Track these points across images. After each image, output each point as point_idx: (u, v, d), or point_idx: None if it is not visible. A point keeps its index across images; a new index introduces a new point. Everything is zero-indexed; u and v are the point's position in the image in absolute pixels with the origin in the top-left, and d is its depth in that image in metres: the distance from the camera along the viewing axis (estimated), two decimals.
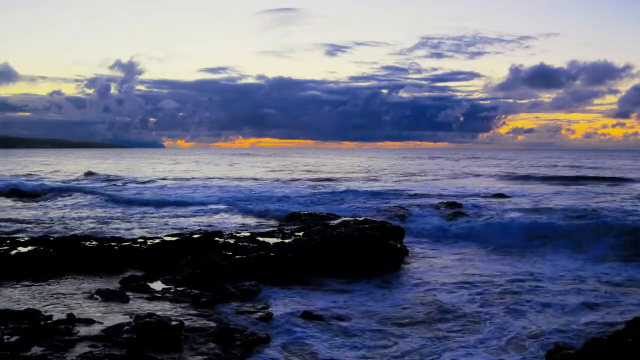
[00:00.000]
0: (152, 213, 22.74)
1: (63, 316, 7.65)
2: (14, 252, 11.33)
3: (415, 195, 28.63)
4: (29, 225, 18.65)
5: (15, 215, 21.46)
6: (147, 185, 37.68)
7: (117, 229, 18.00)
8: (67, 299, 9.09)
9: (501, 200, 26.36)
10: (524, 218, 18.71)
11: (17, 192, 30.45)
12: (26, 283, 10.06)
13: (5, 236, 13.91)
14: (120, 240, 13.19)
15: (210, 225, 18.91)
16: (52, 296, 9.23)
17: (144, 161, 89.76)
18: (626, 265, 12.84)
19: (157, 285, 10.11)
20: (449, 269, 12.68)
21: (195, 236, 13.21)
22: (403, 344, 7.76)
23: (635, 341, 6.00)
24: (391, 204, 23.96)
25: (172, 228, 18.12)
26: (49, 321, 7.40)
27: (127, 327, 7.22)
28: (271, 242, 13.09)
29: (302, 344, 7.66)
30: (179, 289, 9.79)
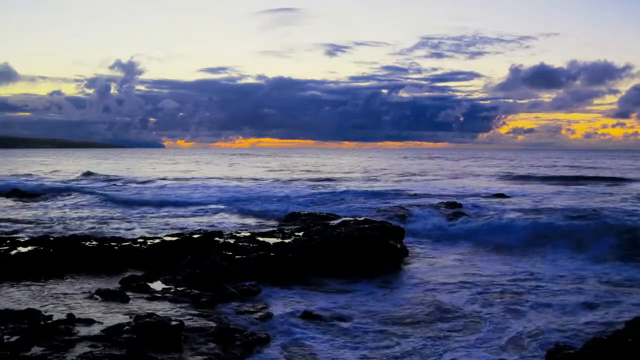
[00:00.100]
0: (152, 213, 22.74)
1: (63, 316, 7.65)
2: (14, 252, 11.32)
3: (415, 195, 28.62)
4: (29, 225, 18.65)
5: (15, 215, 21.46)
6: (147, 185, 37.67)
7: (117, 229, 18.00)
8: (67, 299, 9.09)
9: (501, 200, 26.35)
10: (524, 218, 18.70)
11: (17, 192, 30.41)
12: (26, 283, 10.05)
13: (5, 236, 13.91)
14: (120, 240, 13.19)
15: (210, 225, 18.91)
16: (52, 296, 9.23)
17: (144, 161, 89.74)
18: (626, 265, 12.83)
19: (157, 285, 10.11)
20: (449, 269, 12.67)
21: (195, 236, 13.21)
22: (403, 344, 7.75)
23: (635, 341, 6.00)
24: (391, 204, 23.95)
25: (172, 228, 18.11)
26: (49, 321, 7.40)
27: (127, 327, 7.21)
28: (271, 242, 13.09)
29: (302, 344, 7.66)
30: (179, 289, 9.79)
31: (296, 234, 14.51)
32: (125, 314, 8.09)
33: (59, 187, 33.70)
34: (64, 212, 22.80)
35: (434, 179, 43.77)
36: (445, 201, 23.94)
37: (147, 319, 7.30)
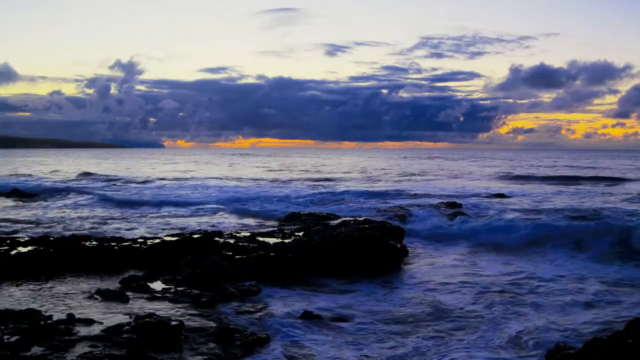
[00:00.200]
0: (151, 213, 22.74)
1: (63, 316, 7.65)
2: (14, 252, 11.32)
3: (415, 195, 28.64)
4: (28, 225, 18.65)
5: (15, 215, 21.45)
6: (147, 185, 37.69)
7: (117, 229, 18.00)
8: (67, 299, 9.09)
9: (501, 200, 26.38)
10: (524, 218, 18.72)
11: (17, 192, 30.41)
12: (26, 283, 10.05)
13: (5, 236, 13.90)
14: (120, 240, 13.19)
15: (210, 225, 18.90)
16: (52, 296, 9.23)
17: (144, 161, 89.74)
18: (626, 265, 12.84)
19: (157, 285, 10.10)
20: (449, 269, 12.67)
21: (195, 236, 13.21)
22: (404, 344, 7.75)
23: (635, 341, 6.00)
24: (391, 204, 23.96)
25: (172, 228, 18.11)
26: (49, 321, 7.40)
27: (127, 327, 7.21)
28: (271, 242, 13.09)
29: (302, 344, 7.65)
30: (179, 289, 9.79)
31: (296, 234, 14.51)
32: (125, 314, 8.09)
33: (59, 187, 33.69)
34: (64, 212, 22.79)
35: (434, 179, 43.79)
36: (445, 201, 23.96)
37: (147, 319, 7.30)
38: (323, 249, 12.14)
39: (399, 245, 13.34)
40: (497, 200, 26.36)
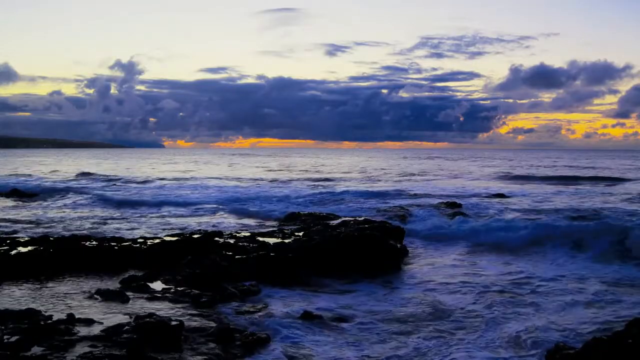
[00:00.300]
0: (151, 213, 22.73)
1: (63, 316, 7.65)
2: (14, 252, 11.32)
3: (415, 195, 28.65)
4: (28, 225, 18.65)
5: (14, 216, 21.45)
6: (147, 185, 37.69)
7: (117, 229, 17.99)
8: (67, 299, 9.09)
9: (501, 200, 26.39)
10: (524, 218, 18.72)
11: (17, 192, 30.42)
12: (26, 283, 10.06)
13: (5, 236, 13.91)
14: (120, 240, 13.20)
15: (210, 226, 18.90)
16: (52, 296, 9.23)
17: (144, 161, 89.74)
18: (626, 265, 12.84)
19: (157, 285, 10.10)
20: (449, 269, 12.67)
21: (195, 236, 13.21)
22: (403, 344, 7.75)
23: (635, 341, 6.00)
24: (391, 204, 23.96)
25: (172, 228, 18.11)
26: (49, 321, 7.40)
27: (127, 327, 7.22)
28: (271, 242, 13.09)
29: (302, 345, 7.65)
30: (179, 289, 9.79)
31: (296, 234, 14.52)
32: (125, 314, 8.09)
33: (59, 187, 33.69)
34: (64, 212, 22.79)
35: (434, 179, 43.80)
36: (445, 201, 23.97)
37: (147, 319, 7.30)
38: (323, 249, 12.14)
39: (399, 245, 13.35)
40: (497, 200, 26.36)
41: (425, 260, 13.74)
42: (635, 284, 11.21)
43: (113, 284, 10.09)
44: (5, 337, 6.65)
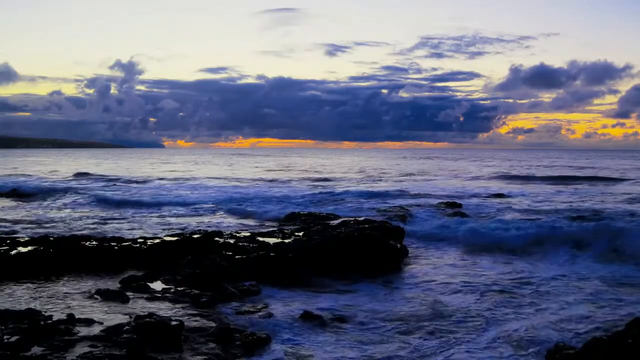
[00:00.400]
0: (151, 213, 22.74)
1: (63, 316, 7.65)
2: (14, 252, 11.32)
3: (415, 195, 28.66)
4: (28, 225, 18.65)
5: (14, 216, 21.46)
6: (147, 185, 37.70)
7: (117, 229, 17.99)
8: (67, 299, 9.09)
9: (501, 200, 26.41)
10: (523, 218, 18.73)
11: (17, 192, 30.45)
12: (26, 283, 10.06)
13: (5, 236, 13.90)
14: (120, 240, 13.19)
15: (210, 226, 18.90)
16: (52, 296, 9.23)
17: (144, 161, 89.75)
18: (626, 265, 12.84)
19: (157, 285, 10.10)
20: (449, 268, 12.68)
21: (195, 236, 13.21)
22: (404, 344, 7.75)
23: (635, 341, 6.00)
24: (391, 204, 23.98)
25: (172, 228, 18.11)
26: (49, 321, 7.39)
27: (127, 327, 7.21)
28: (271, 242, 13.09)
29: (302, 345, 7.65)
30: (179, 289, 9.78)
31: (296, 234, 14.51)
32: (125, 314, 8.08)
33: (59, 187, 33.67)
34: (64, 212, 22.80)
35: (434, 179, 43.82)
36: (445, 201, 23.99)
37: (147, 319, 7.30)
38: (323, 249, 12.14)
39: (399, 246, 13.34)
40: (496, 200, 26.38)
41: (426, 260, 13.74)
42: (635, 284, 11.22)
43: (113, 284, 10.09)
44: (5, 337, 6.64)
